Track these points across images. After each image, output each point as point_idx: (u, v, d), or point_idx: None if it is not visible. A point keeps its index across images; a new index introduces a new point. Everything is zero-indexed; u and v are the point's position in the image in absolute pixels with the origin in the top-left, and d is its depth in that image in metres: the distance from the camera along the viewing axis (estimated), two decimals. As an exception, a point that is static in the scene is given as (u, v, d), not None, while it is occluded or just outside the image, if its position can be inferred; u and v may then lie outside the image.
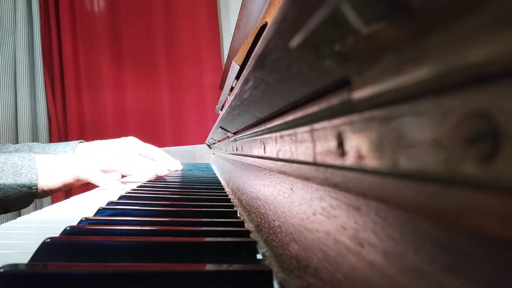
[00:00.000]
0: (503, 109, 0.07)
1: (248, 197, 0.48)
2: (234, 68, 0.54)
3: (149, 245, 0.30)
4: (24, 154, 0.73)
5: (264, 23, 0.54)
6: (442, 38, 0.09)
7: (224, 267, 0.25)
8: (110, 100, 1.96)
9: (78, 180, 0.75)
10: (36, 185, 0.71)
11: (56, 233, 0.33)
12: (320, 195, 0.20)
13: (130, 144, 0.95)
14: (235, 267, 0.25)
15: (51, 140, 1.88)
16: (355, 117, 0.14)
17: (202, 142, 1.79)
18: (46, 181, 0.72)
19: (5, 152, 0.73)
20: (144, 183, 0.77)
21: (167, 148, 1.73)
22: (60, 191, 0.76)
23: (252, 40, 0.49)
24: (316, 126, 0.19)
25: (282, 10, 0.15)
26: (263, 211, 0.37)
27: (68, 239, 0.31)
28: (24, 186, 0.70)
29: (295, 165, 0.24)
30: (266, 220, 0.35)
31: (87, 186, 0.82)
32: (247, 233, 0.35)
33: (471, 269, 0.09)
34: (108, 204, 0.48)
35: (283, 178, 0.29)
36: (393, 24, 0.10)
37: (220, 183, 0.85)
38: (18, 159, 0.71)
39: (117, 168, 0.81)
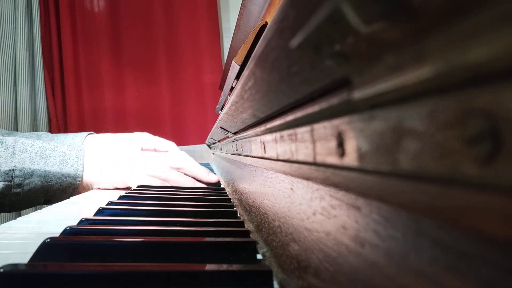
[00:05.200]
0: (504, 108, 0.07)
1: (248, 197, 0.48)
2: (234, 68, 0.54)
3: (149, 245, 0.30)
4: (74, 145, 0.71)
5: (264, 23, 0.54)
6: (442, 38, 0.09)
7: (224, 267, 0.25)
8: (110, 99, 1.96)
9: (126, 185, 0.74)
10: (81, 177, 0.70)
11: (56, 232, 0.33)
12: (320, 195, 0.20)
13: (144, 140, 0.87)
14: (235, 267, 0.25)
15: (51, 139, 1.87)
16: (355, 116, 0.14)
17: (202, 142, 1.79)
18: (90, 176, 0.71)
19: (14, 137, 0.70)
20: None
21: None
22: (106, 188, 0.74)
23: (252, 40, 0.49)
24: (316, 126, 0.19)
25: (282, 10, 0.15)
26: (263, 211, 0.37)
27: (68, 239, 0.31)
28: (68, 176, 0.69)
29: (295, 165, 0.24)
30: (266, 220, 0.35)
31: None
32: (247, 233, 0.35)
33: (472, 270, 0.09)
34: (108, 204, 0.48)
35: (283, 178, 0.29)
36: (393, 24, 0.10)
37: (220, 183, 0.85)
38: (67, 149, 0.70)
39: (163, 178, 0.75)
